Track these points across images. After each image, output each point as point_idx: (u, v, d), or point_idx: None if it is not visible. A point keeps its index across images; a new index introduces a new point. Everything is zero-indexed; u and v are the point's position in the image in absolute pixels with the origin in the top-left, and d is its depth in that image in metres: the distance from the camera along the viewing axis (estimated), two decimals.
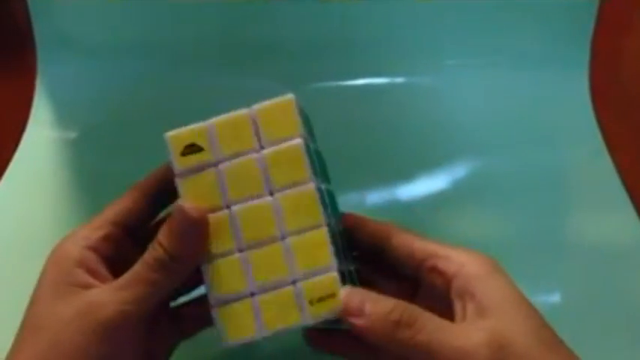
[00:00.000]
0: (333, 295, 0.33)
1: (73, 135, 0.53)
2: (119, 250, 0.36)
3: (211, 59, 0.54)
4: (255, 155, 0.34)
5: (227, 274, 0.34)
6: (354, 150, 0.50)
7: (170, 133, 0.34)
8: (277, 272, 0.33)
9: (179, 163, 0.34)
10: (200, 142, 0.34)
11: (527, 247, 0.44)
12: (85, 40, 0.55)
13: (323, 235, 0.33)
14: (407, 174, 0.50)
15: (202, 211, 0.33)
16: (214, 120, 0.34)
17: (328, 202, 0.35)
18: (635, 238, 0.46)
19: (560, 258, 0.45)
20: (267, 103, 0.34)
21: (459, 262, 0.34)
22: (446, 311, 0.33)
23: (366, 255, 0.38)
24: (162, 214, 0.38)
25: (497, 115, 0.53)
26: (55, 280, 0.34)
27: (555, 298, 0.43)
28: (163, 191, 0.37)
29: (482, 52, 0.54)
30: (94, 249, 0.35)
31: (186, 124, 0.32)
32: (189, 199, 0.34)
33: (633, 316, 0.42)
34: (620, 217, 0.47)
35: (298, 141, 0.33)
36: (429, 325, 0.32)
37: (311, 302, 0.33)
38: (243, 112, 0.33)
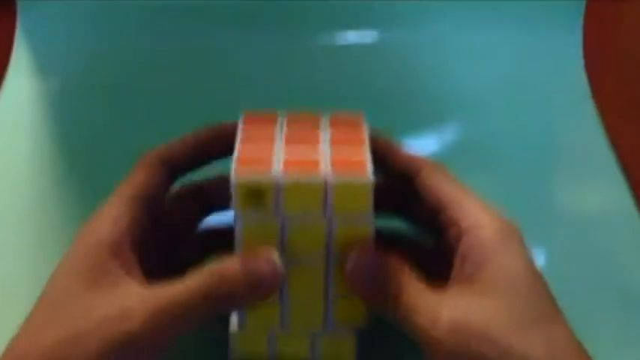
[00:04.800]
0: (358, 312, 0.34)
1: (54, 84, 0.51)
2: (143, 230, 0.34)
3: (201, 7, 0.52)
4: (321, 222, 0.33)
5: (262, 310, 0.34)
6: (340, 107, 0.49)
7: (237, 179, 0.32)
8: (314, 290, 0.34)
9: (240, 206, 0.33)
10: (265, 197, 0.32)
11: (512, 209, 0.43)
12: None
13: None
14: (394, 134, 0.48)
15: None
16: (284, 180, 0.32)
17: None
18: (622, 203, 0.46)
19: (545, 221, 0.44)
20: (343, 179, 0.32)
21: (476, 220, 0.33)
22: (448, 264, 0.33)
23: (392, 182, 0.37)
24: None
25: (487, 76, 0.52)
26: (88, 267, 0.32)
27: (540, 261, 0.42)
28: (188, 164, 0.36)
29: (474, 12, 0.53)
30: (125, 234, 0.33)
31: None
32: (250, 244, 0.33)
33: (619, 282, 0.42)
34: (608, 182, 0.47)
35: (369, 224, 0.33)
36: (408, 299, 0.32)
37: (337, 314, 0.34)
38: (316, 180, 0.32)
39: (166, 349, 0.32)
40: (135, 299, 0.31)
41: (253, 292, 0.33)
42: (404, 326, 0.32)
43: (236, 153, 0.34)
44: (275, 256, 0.33)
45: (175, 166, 0.36)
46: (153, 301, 0.31)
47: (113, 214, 0.34)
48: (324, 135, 0.35)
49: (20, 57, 0.52)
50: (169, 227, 0.37)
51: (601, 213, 0.46)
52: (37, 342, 0.31)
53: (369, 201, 0.33)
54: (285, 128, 0.36)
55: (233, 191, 0.32)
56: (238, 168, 0.33)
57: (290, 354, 0.35)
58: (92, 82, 0.51)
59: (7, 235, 0.44)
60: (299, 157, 0.34)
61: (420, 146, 0.49)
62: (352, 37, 0.53)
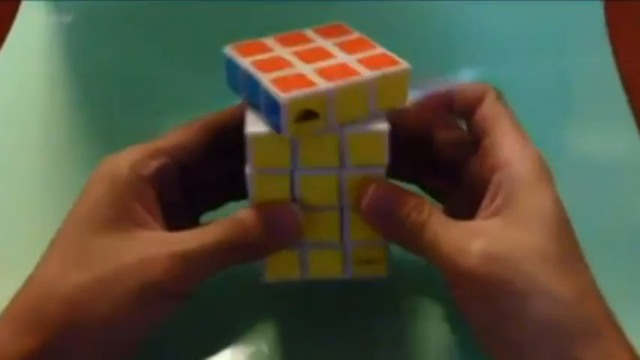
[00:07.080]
0: (379, 261, 0.34)
1: (67, 19, 0.51)
2: (170, 184, 0.34)
3: None
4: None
5: (281, 260, 0.34)
6: None
7: (287, 97, 0.30)
8: (330, 236, 0.34)
9: (293, 130, 0.31)
10: (317, 109, 0.31)
11: None
12: None
13: None
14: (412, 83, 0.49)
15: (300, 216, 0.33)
16: (334, 86, 0.31)
17: None
18: (634, 149, 0.46)
19: (557, 165, 0.44)
20: (385, 71, 0.32)
21: (512, 154, 0.33)
22: (480, 198, 0.33)
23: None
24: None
25: (504, 22, 0.52)
26: (113, 209, 0.32)
27: None
28: (228, 134, 0.35)
29: None
30: (150, 180, 0.33)
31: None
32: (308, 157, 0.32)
33: (628, 225, 0.42)
34: (621, 130, 0.47)
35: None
36: (432, 229, 0.32)
37: (357, 263, 0.34)
38: (361, 80, 0.32)
39: (191, 292, 0.32)
40: (158, 246, 0.31)
41: (274, 240, 0.33)
42: (428, 258, 0.32)
43: (264, 80, 0.32)
44: (294, 205, 0.33)
45: (218, 133, 0.35)
46: (175, 248, 0.31)
47: (138, 159, 0.33)
48: (329, 45, 0.35)
49: None
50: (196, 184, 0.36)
51: (614, 159, 0.45)
52: (62, 281, 0.31)
53: (406, 89, 0.33)
54: (288, 49, 0.34)
55: (284, 115, 0.31)
56: (281, 91, 0.31)
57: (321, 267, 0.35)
58: (105, 18, 0.51)
59: (19, 160, 0.44)
60: (329, 66, 0.33)
61: None
62: None
